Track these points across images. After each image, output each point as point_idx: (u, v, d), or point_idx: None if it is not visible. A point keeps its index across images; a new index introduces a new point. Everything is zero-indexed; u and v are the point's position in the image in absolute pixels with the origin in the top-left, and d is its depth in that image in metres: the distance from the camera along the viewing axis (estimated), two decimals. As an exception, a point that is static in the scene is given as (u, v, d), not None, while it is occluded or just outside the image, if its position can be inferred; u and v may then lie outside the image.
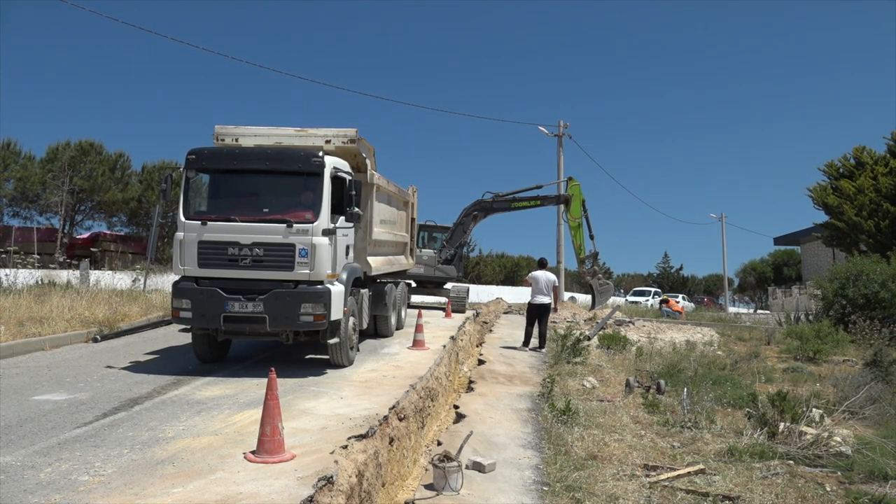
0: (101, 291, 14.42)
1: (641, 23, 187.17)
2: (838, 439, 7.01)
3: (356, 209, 8.71)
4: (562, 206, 22.80)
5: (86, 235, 32.05)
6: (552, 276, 12.82)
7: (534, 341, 13.20)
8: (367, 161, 10.09)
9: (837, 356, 13.87)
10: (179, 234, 8.17)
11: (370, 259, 10.44)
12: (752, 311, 54.92)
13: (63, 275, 17.36)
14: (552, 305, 13.03)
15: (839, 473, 6.30)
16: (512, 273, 56.87)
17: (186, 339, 9.64)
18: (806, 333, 14.71)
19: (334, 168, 8.47)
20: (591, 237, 20.93)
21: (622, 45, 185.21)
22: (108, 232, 33.00)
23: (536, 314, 12.87)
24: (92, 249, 27.23)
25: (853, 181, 27.23)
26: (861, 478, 6.16)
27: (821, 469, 6.43)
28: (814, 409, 7.75)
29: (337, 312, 8.23)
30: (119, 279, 17.95)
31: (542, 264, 13.20)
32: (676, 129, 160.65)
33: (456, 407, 8.31)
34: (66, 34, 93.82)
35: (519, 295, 35.45)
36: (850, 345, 14.76)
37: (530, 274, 12.93)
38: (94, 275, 17.95)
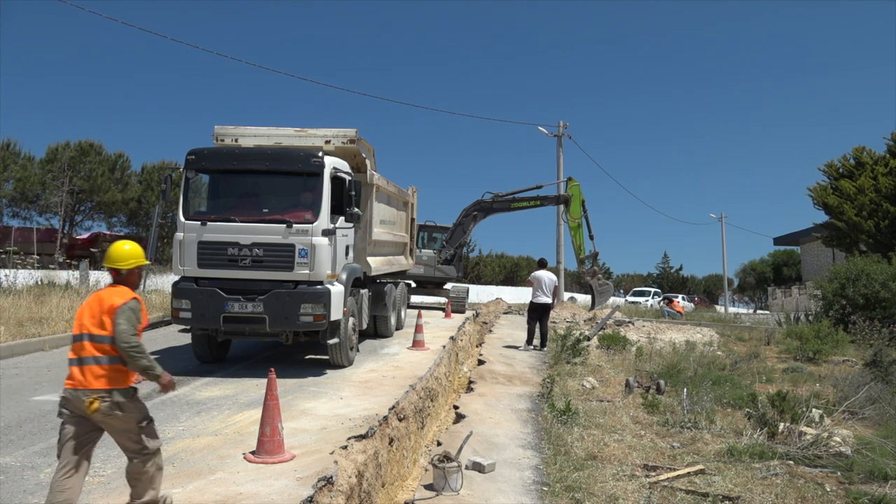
0: (100, 292, 14.39)
1: (641, 23, 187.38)
2: (838, 439, 7.00)
3: (356, 209, 8.71)
4: (562, 207, 22.79)
5: (85, 236, 32.04)
6: (553, 277, 13.24)
7: (535, 340, 13.33)
8: (367, 161, 10.09)
9: (837, 356, 13.85)
10: (179, 235, 8.17)
11: (370, 259, 10.45)
12: (751, 311, 54.92)
13: (63, 275, 17.37)
14: (553, 304, 13.37)
15: (839, 473, 6.29)
16: (512, 273, 56.75)
17: (186, 339, 9.64)
18: (806, 333, 14.70)
19: (334, 168, 8.47)
20: (591, 237, 20.94)
21: (622, 45, 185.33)
22: (108, 232, 32.97)
23: (538, 313, 13.08)
24: (92, 250, 27.22)
25: (853, 181, 27.21)
26: (861, 478, 6.16)
27: (821, 469, 6.42)
28: (814, 410, 7.74)
29: (337, 313, 8.23)
30: (119, 279, 17.91)
31: (542, 264, 13.58)
32: (676, 129, 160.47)
33: (456, 407, 8.31)
34: (66, 34, 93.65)
35: (519, 295, 35.46)
36: (849, 345, 14.73)
37: (532, 274, 13.24)
38: (94, 275, 17.95)
